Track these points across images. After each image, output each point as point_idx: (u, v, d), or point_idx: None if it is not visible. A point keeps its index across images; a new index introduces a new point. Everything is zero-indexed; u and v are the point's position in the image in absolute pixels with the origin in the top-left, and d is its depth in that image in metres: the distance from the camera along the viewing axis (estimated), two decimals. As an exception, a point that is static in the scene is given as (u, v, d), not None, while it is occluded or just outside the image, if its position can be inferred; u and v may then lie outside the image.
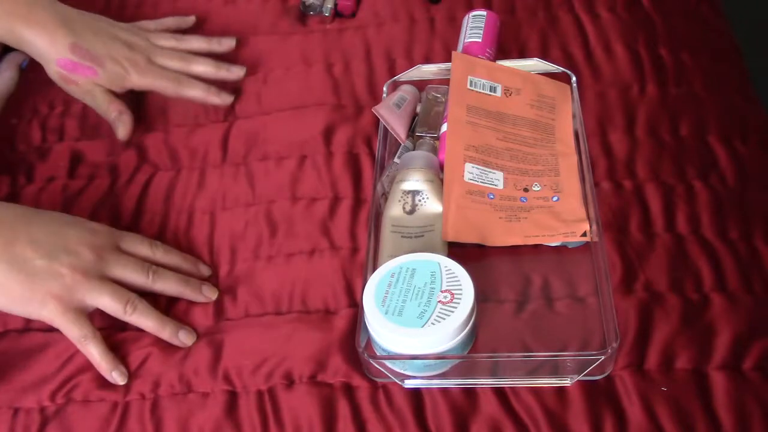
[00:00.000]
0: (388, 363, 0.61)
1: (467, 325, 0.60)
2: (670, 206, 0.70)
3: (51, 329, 0.66)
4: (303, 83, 0.84)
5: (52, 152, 0.83)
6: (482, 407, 0.60)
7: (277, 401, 0.62)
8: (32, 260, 0.63)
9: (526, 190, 0.71)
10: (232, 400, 0.63)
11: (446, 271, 0.62)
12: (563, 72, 0.79)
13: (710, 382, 0.60)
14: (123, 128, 0.80)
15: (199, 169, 0.79)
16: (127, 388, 0.64)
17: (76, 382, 0.65)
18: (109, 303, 0.65)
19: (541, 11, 0.88)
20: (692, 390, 0.59)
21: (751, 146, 0.76)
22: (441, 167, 0.72)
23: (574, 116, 0.77)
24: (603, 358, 0.59)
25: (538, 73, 0.80)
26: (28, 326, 0.69)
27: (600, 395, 0.60)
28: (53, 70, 0.80)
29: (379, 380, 0.62)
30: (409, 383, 0.62)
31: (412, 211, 0.69)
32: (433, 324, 0.59)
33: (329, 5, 0.90)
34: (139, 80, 0.81)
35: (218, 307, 0.69)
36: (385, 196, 0.71)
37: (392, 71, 0.84)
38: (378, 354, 0.62)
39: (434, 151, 0.74)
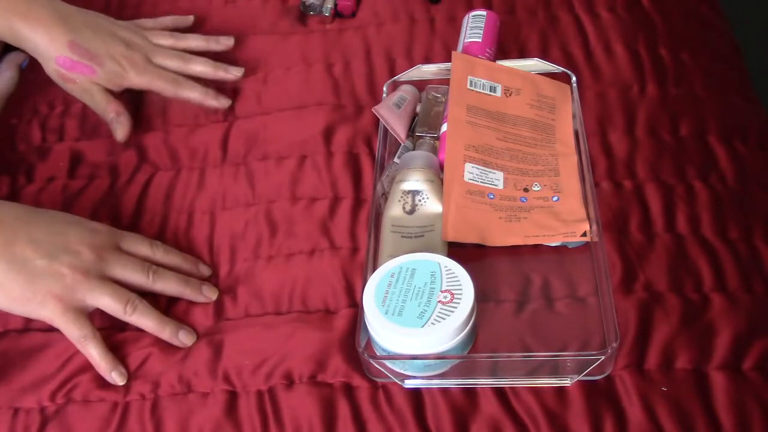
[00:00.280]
0: (388, 363, 0.61)
1: (467, 325, 0.60)
2: (670, 206, 0.70)
3: (51, 329, 0.66)
4: (303, 83, 0.84)
5: (52, 152, 0.83)
6: (482, 407, 0.60)
7: (277, 401, 0.62)
8: (32, 260, 0.63)
9: (526, 190, 0.71)
10: (232, 400, 0.63)
11: (446, 271, 0.62)
12: (563, 72, 0.79)
13: (710, 382, 0.60)
14: (121, 130, 0.80)
15: (199, 169, 0.79)
16: (127, 388, 0.64)
17: (76, 382, 0.65)
18: (109, 303, 0.65)
19: (541, 11, 0.88)
20: (692, 390, 0.59)
21: (751, 146, 0.76)
22: (441, 167, 0.72)
23: (574, 116, 0.77)
24: (603, 358, 0.59)
25: (538, 73, 0.80)
26: (28, 326, 0.69)
27: (600, 395, 0.60)
28: (52, 68, 0.80)
29: (379, 380, 0.62)
30: (409, 383, 0.62)
31: (412, 211, 0.69)
32: (433, 324, 0.59)
33: (329, 5, 0.90)
34: (137, 79, 0.81)
35: (218, 307, 0.69)
36: (385, 196, 0.71)
37: (392, 71, 0.84)
38: (378, 354, 0.62)
39: (434, 151, 0.74)
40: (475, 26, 0.81)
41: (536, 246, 0.68)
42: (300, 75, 0.85)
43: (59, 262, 0.64)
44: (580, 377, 0.60)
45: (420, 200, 0.69)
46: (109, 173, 0.80)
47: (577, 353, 0.61)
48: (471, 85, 0.77)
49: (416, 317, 0.59)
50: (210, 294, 0.69)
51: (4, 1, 0.77)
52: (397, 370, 0.61)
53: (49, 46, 0.78)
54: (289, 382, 0.63)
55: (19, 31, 0.78)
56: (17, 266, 0.63)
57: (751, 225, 0.69)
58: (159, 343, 0.66)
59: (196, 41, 0.86)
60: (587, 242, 0.67)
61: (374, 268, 0.64)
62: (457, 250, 0.67)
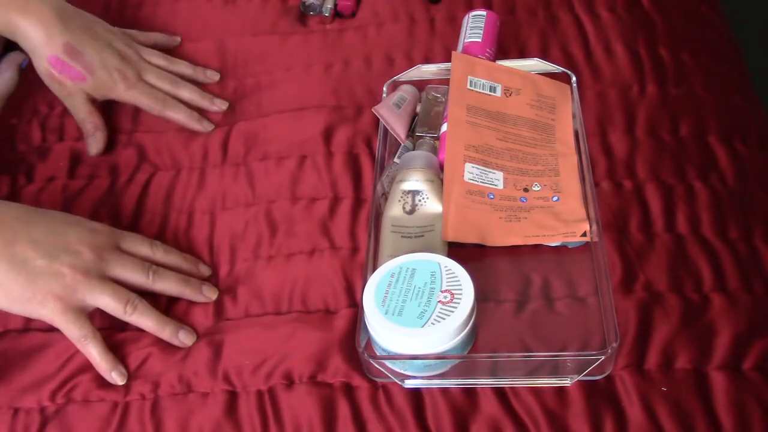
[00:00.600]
0: (388, 363, 0.61)
1: (467, 325, 0.60)
2: (670, 206, 0.70)
3: (51, 329, 0.66)
4: (303, 83, 0.84)
5: (52, 152, 0.83)
6: (482, 407, 0.60)
7: (277, 401, 0.62)
8: (32, 260, 0.63)
9: (526, 190, 0.71)
10: (232, 400, 0.63)
11: (446, 271, 0.62)
12: (563, 72, 0.79)
13: (710, 382, 0.60)
14: (95, 145, 0.81)
15: (199, 169, 0.79)
16: (127, 388, 0.64)
17: (76, 382, 0.65)
18: (109, 303, 0.65)
19: (541, 11, 0.88)
20: (692, 390, 0.59)
21: (751, 146, 0.76)
22: (441, 167, 0.72)
23: (574, 116, 0.77)
24: (603, 358, 0.59)
25: (538, 73, 0.80)
26: (28, 326, 0.69)
27: (600, 395, 0.60)
28: (42, 65, 0.80)
29: (379, 380, 0.62)
30: (409, 383, 0.62)
31: (412, 211, 0.69)
32: (433, 324, 0.59)
33: (329, 5, 0.90)
34: (124, 93, 0.81)
35: (218, 307, 0.69)
36: (385, 196, 0.71)
37: (392, 71, 0.84)
38: (378, 354, 0.62)
39: (434, 151, 0.74)
40: (475, 26, 0.81)
41: (536, 246, 0.68)
42: (300, 75, 0.85)
43: (59, 262, 0.64)
44: (580, 377, 0.60)
45: (420, 200, 0.69)
46: (109, 173, 0.80)
47: (577, 353, 0.61)
48: (471, 85, 0.77)
49: (416, 317, 0.59)
50: (210, 294, 0.69)
51: None
52: (397, 370, 0.61)
53: (44, 43, 0.78)
54: (289, 382, 0.63)
55: (16, 24, 0.78)
56: (17, 266, 0.63)
57: (751, 225, 0.69)
58: (159, 343, 0.66)
59: (185, 68, 0.86)
60: (587, 242, 0.67)
61: (374, 268, 0.64)
62: (457, 250, 0.67)
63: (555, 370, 0.61)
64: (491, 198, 0.70)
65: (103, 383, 0.64)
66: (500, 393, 0.60)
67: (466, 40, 0.81)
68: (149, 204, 0.77)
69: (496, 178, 0.71)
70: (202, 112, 0.83)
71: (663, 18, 0.86)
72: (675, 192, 0.71)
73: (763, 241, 0.68)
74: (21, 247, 0.64)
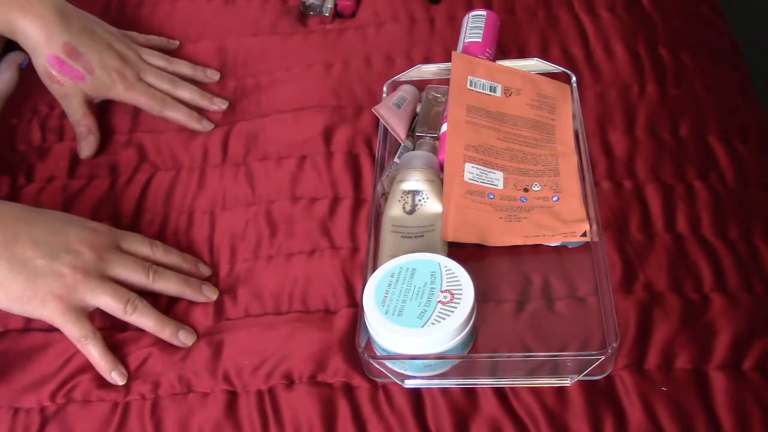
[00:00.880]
0: (388, 363, 0.61)
1: (467, 325, 0.60)
2: (670, 206, 0.70)
3: (51, 329, 0.66)
4: (303, 83, 0.84)
5: (52, 152, 0.83)
6: (482, 407, 0.60)
7: (277, 401, 0.62)
8: (33, 260, 0.63)
9: (526, 190, 0.71)
10: (232, 400, 0.63)
11: (446, 271, 0.62)
12: (563, 72, 0.79)
13: (710, 382, 0.60)
14: (87, 149, 0.81)
15: (199, 169, 0.79)
16: (127, 388, 0.64)
17: (76, 382, 0.65)
18: (109, 303, 0.65)
19: (541, 11, 0.88)
20: (692, 390, 0.59)
21: (751, 146, 0.76)
22: (441, 167, 0.72)
23: (574, 116, 0.77)
24: (603, 358, 0.59)
25: (538, 73, 0.80)
26: (28, 326, 0.69)
27: (600, 395, 0.60)
28: (41, 64, 0.80)
29: (379, 380, 0.62)
30: (409, 383, 0.62)
31: (412, 211, 0.69)
32: (433, 324, 0.59)
33: (329, 5, 0.90)
34: (123, 94, 0.82)
35: (218, 307, 0.69)
36: (385, 196, 0.71)
37: (392, 71, 0.84)
38: (378, 354, 0.62)
39: (434, 151, 0.74)
40: (475, 26, 0.81)
41: (536, 246, 0.68)
42: (300, 75, 0.85)
43: (60, 262, 0.64)
44: (580, 377, 0.60)
45: (420, 200, 0.69)
46: (109, 173, 0.80)
47: (577, 353, 0.61)
48: (471, 85, 0.77)
49: (416, 317, 0.59)
50: (210, 294, 0.69)
51: None
52: (397, 370, 0.61)
53: (44, 42, 0.78)
54: (289, 382, 0.63)
55: (16, 22, 0.78)
56: (18, 266, 0.63)
57: (751, 225, 0.69)
58: (159, 343, 0.66)
59: (185, 68, 0.86)
60: (587, 242, 0.67)
61: (374, 268, 0.64)
62: (457, 250, 0.67)
63: (555, 370, 0.61)
64: (491, 198, 0.70)
65: (103, 383, 0.64)
66: (500, 393, 0.60)
67: (466, 40, 0.81)
68: (149, 204, 0.77)
69: (496, 178, 0.71)
70: (201, 112, 0.83)
71: (663, 18, 0.86)
72: (675, 192, 0.71)
73: (763, 241, 0.68)
74: (21, 246, 0.64)
